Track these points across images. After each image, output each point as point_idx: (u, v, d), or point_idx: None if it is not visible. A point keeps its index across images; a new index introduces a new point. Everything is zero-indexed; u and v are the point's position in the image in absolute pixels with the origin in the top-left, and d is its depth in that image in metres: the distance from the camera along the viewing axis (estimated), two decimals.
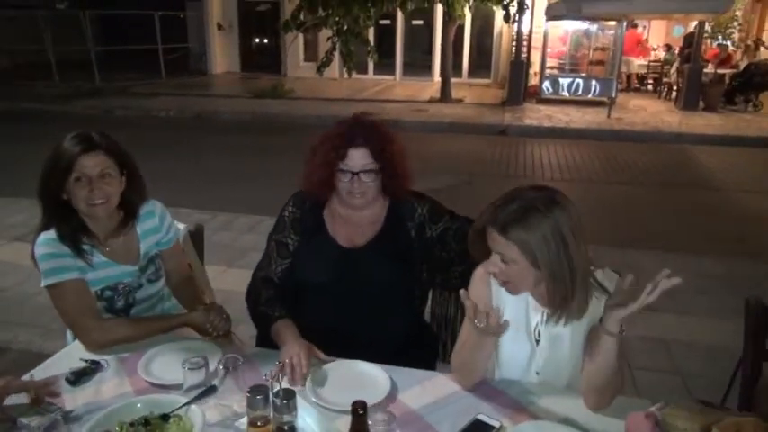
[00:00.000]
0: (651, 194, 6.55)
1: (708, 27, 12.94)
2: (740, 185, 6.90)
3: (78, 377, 1.55)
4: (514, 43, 11.93)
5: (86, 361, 1.62)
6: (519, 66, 11.69)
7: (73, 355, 1.68)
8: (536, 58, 12.59)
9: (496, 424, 1.39)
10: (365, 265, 1.83)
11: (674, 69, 12.70)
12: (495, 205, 1.42)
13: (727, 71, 12.20)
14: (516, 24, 11.49)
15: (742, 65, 11.90)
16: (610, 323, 1.36)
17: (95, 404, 1.45)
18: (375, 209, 1.89)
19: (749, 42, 13.57)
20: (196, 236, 2.32)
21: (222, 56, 16.65)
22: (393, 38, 15.44)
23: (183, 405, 1.39)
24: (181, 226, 2.21)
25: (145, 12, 14.26)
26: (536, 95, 12.13)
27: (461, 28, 13.47)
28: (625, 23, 11.84)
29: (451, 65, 12.35)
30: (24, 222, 4.63)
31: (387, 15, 13.09)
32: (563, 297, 1.42)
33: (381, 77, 15.37)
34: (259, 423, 1.29)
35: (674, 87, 12.41)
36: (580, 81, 11.95)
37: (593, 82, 11.88)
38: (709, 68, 12.16)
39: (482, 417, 1.41)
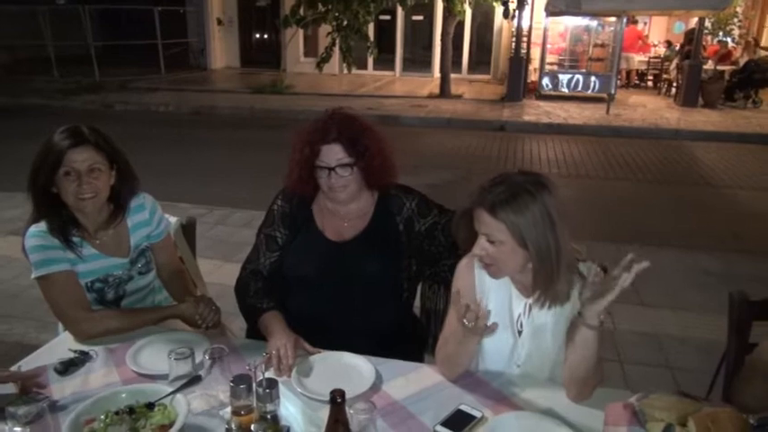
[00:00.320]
0: (648, 190, 6.57)
1: (708, 24, 12.92)
2: (737, 182, 6.91)
3: (66, 367, 1.57)
4: (514, 39, 11.92)
5: (75, 351, 1.64)
6: (518, 62, 11.67)
7: (62, 346, 1.70)
8: (536, 54, 12.59)
9: (478, 414, 1.40)
10: (353, 258, 1.84)
11: (673, 66, 12.68)
12: (483, 187, 1.44)
13: (727, 68, 12.18)
14: (516, 20, 11.50)
15: (742, 61, 11.86)
16: (589, 316, 1.37)
17: (83, 394, 1.47)
18: (362, 203, 1.89)
19: (749, 39, 13.54)
20: (188, 229, 2.32)
21: (222, 51, 16.66)
22: (393, 33, 15.43)
23: (169, 394, 1.41)
24: (173, 219, 2.22)
25: (145, 7, 14.26)
26: (535, 91, 12.13)
27: (461, 24, 13.44)
28: (625, 20, 11.82)
29: (451, 61, 12.34)
30: (20, 217, 4.54)
31: (386, 11, 13.10)
32: (548, 277, 1.44)
33: (381, 73, 15.35)
34: (242, 412, 1.31)
35: (674, 84, 12.39)
36: (579, 77, 11.95)
37: (593, 78, 11.88)
38: (709, 65, 12.14)
39: (464, 407, 1.43)
